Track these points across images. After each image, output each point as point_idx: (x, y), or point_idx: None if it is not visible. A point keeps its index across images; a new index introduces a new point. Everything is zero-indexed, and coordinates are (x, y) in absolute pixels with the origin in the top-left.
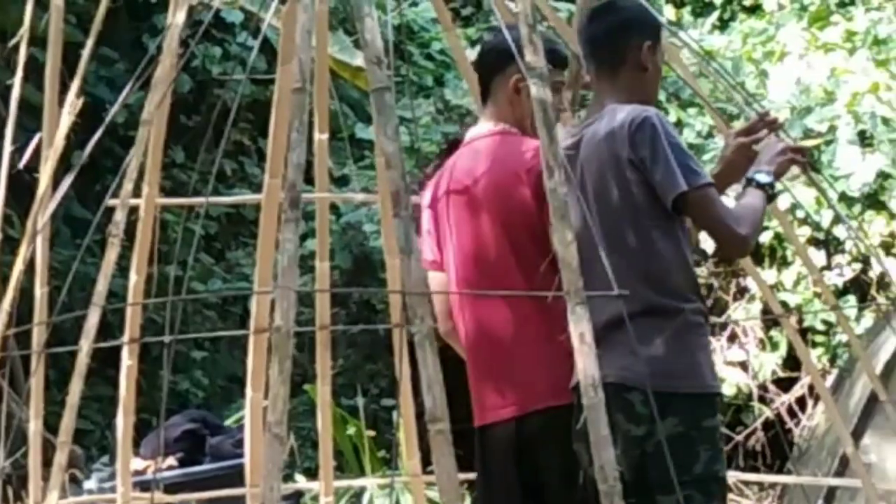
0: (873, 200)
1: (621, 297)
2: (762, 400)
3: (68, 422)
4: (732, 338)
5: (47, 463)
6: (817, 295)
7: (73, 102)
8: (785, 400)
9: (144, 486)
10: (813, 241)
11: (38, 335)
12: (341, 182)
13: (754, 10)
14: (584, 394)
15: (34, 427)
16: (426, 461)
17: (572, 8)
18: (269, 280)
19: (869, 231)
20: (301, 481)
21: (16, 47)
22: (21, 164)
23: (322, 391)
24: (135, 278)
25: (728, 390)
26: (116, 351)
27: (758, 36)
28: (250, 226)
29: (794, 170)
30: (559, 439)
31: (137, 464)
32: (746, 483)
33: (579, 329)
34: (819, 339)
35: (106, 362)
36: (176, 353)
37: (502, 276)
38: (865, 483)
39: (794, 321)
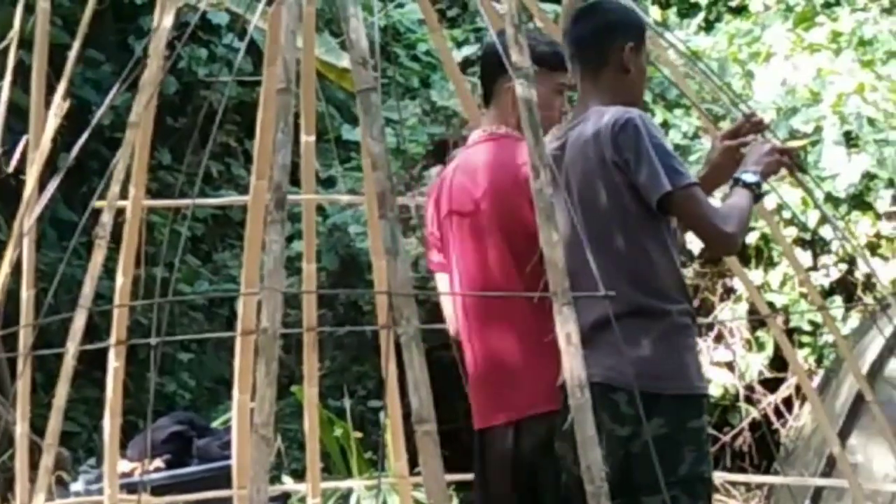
0: (859, 201)
1: (608, 297)
2: (749, 400)
3: (55, 424)
4: (719, 338)
5: (34, 465)
6: (804, 295)
7: (59, 105)
8: (771, 400)
9: (131, 488)
10: (799, 242)
11: (25, 337)
12: (328, 183)
13: (740, 11)
14: (570, 394)
15: (21, 429)
16: (413, 462)
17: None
18: (256, 282)
19: (855, 231)
20: (288, 483)
21: (4, 50)
22: (10, 168)
23: (309, 393)
24: (121, 280)
25: (715, 391)
26: (103, 353)
27: (743, 37)
28: (237, 227)
29: (781, 170)
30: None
31: (124, 466)
32: (733, 483)
33: (566, 330)
34: (805, 339)
35: (93, 364)
36: (163, 354)
37: (509, 301)
38: (852, 483)
39: (781, 322)
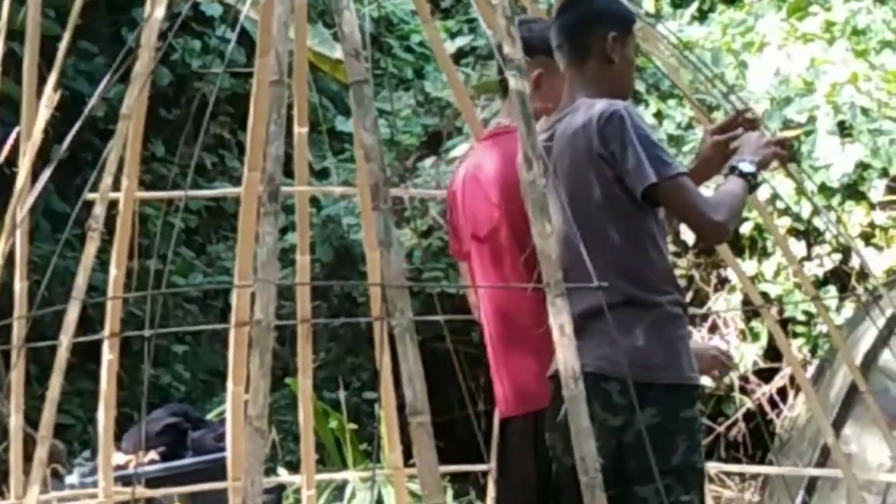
0: (853, 191)
1: (601, 288)
2: (743, 391)
3: (49, 416)
4: (713, 329)
5: (28, 458)
6: (798, 286)
7: (50, 96)
8: (766, 391)
9: (126, 481)
10: (793, 232)
11: (18, 329)
12: (322, 175)
13: (733, 1)
14: (564, 385)
15: (15, 422)
16: (408, 454)
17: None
18: (250, 273)
19: (849, 221)
20: (283, 475)
21: None
22: (0, 160)
23: (303, 385)
24: (115, 272)
25: (709, 381)
26: (97, 345)
27: (737, 27)
28: (231, 219)
29: (774, 162)
30: None
31: (119, 458)
32: (728, 474)
33: (559, 321)
34: (800, 329)
35: (87, 356)
36: (157, 347)
37: (531, 326)
38: (846, 473)
39: (775, 312)
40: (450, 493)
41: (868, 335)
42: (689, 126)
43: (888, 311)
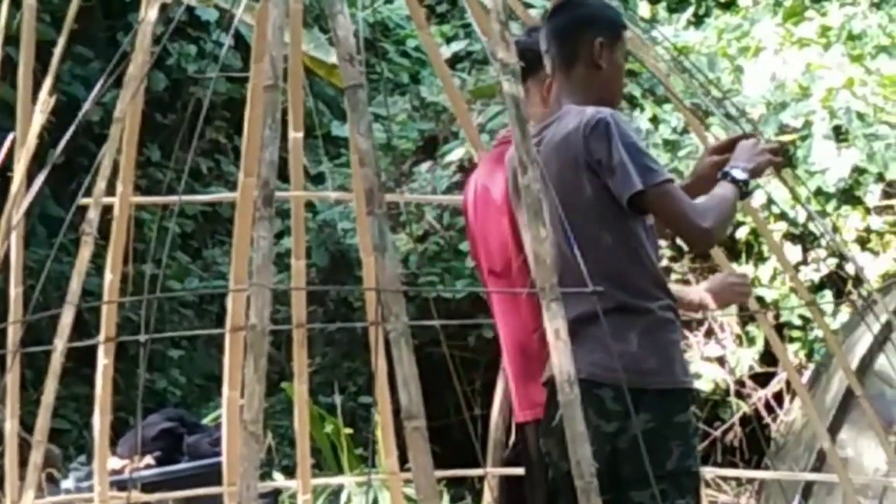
0: (849, 196)
1: (596, 293)
2: (739, 395)
3: (44, 421)
4: (709, 333)
5: (24, 462)
6: (794, 290)
7: (45, 101)
8: (762, 395)
9: (122, 486)
10: (789, 237)
11: (13, 334)
12: (317, 180)
13: (729, 5)
14: (559, 390)
15: (10, 427)
16: (404, 459)
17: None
18: (245, 278)
19: (844, 226)
20: (279, 479)
21: None
22: None
23: (299, 389)
24: (110, 277)
25: (705, 386)
26: (92, 350)
27: (733, 32)
28: (226, 224)
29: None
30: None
31: (115, 463)
32: (724, 478)
33: (554, 326)
34: (796, 334)
35: (82, 361)
36: (152, 351)
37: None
38: (842, 477)
39: (771, 316)
40: (446, 497)
41: (864, 340)
42: (685, 131)
43: (883, 316)
